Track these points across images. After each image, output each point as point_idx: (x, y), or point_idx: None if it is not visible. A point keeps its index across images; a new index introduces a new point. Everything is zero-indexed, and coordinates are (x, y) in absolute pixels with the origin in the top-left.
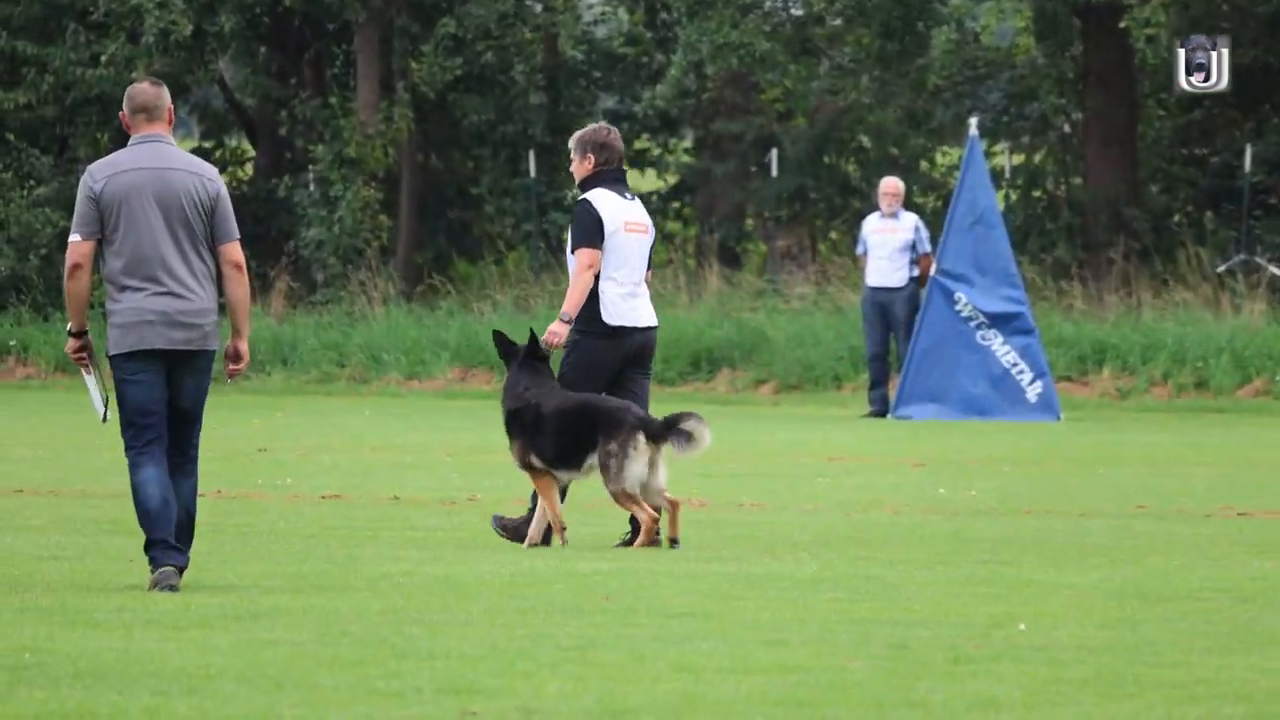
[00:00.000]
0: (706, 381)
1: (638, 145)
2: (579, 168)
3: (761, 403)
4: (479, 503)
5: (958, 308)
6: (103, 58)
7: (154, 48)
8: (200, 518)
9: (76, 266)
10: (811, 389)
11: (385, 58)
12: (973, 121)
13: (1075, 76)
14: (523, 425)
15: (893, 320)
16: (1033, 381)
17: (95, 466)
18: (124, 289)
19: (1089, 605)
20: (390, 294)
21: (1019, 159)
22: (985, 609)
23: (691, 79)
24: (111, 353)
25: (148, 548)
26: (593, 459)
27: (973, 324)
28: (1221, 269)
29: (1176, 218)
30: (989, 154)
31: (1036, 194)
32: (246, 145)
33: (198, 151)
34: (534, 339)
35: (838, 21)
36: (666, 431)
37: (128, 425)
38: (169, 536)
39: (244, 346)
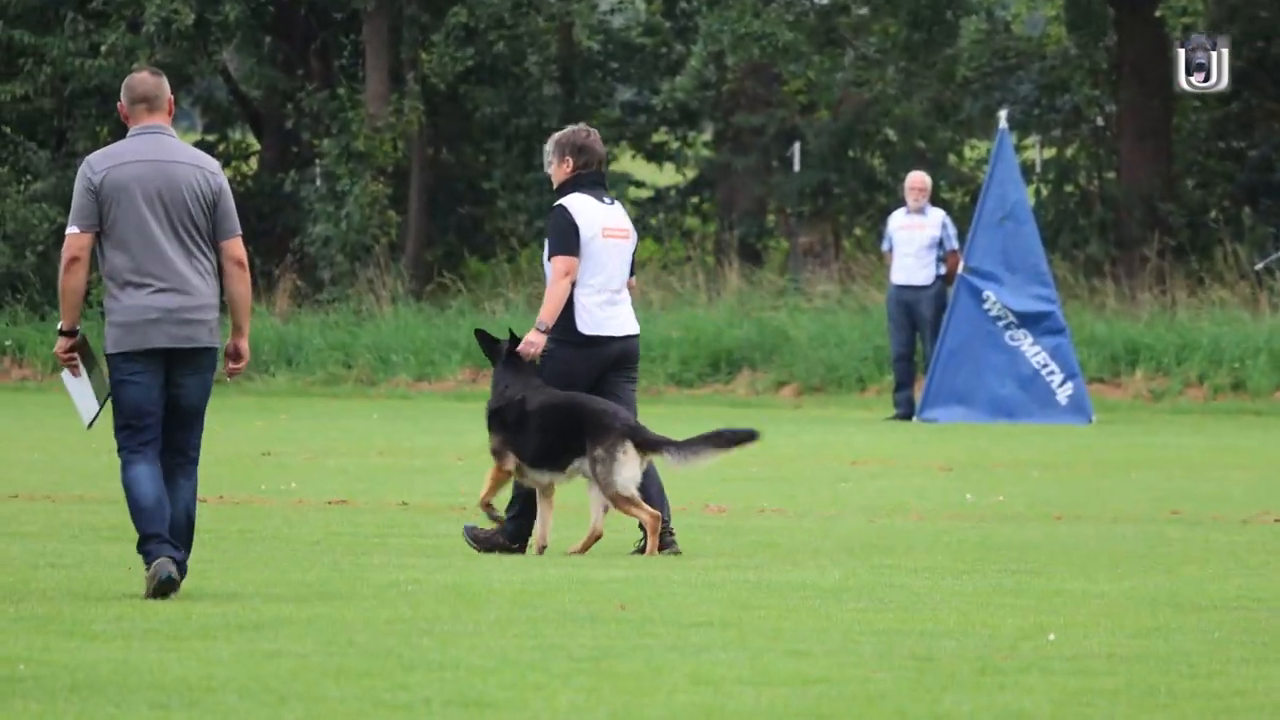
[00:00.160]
0: (726, 383)
1: (655, 138)
2: (557, 171)
3: (783, 405)
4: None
5: (986, 306)
6: (102, 48)
7: (155, 37)
8: (202, 524)
9: (74, 260)
10: (834, 391)
11: (394, 48)
12: (1002, 114)
13: (1108, 67)
14: (504, 423)
15: (919, 320)
16: (1063, 383)
17: (93, 471)
18: (124, 285)
19: (1120, 614)
20: (399, 292)
21: (1050, 153)
22: (1013, 619)
23: (711, 70)
24: (110, 351)
25: (142, 544)
26: (578, 463)
27: (1001, 323)
28: (1259, 266)
29: (1213, 213)
30: (1019, 147)
31: (1068, 189)
32: (251, 138)
33: (200, 145)
34: (514, 338)
35: (863, 10)
36: (658, 444)
37: (123, 426)
38: (164, 532)
39: (245, 345)
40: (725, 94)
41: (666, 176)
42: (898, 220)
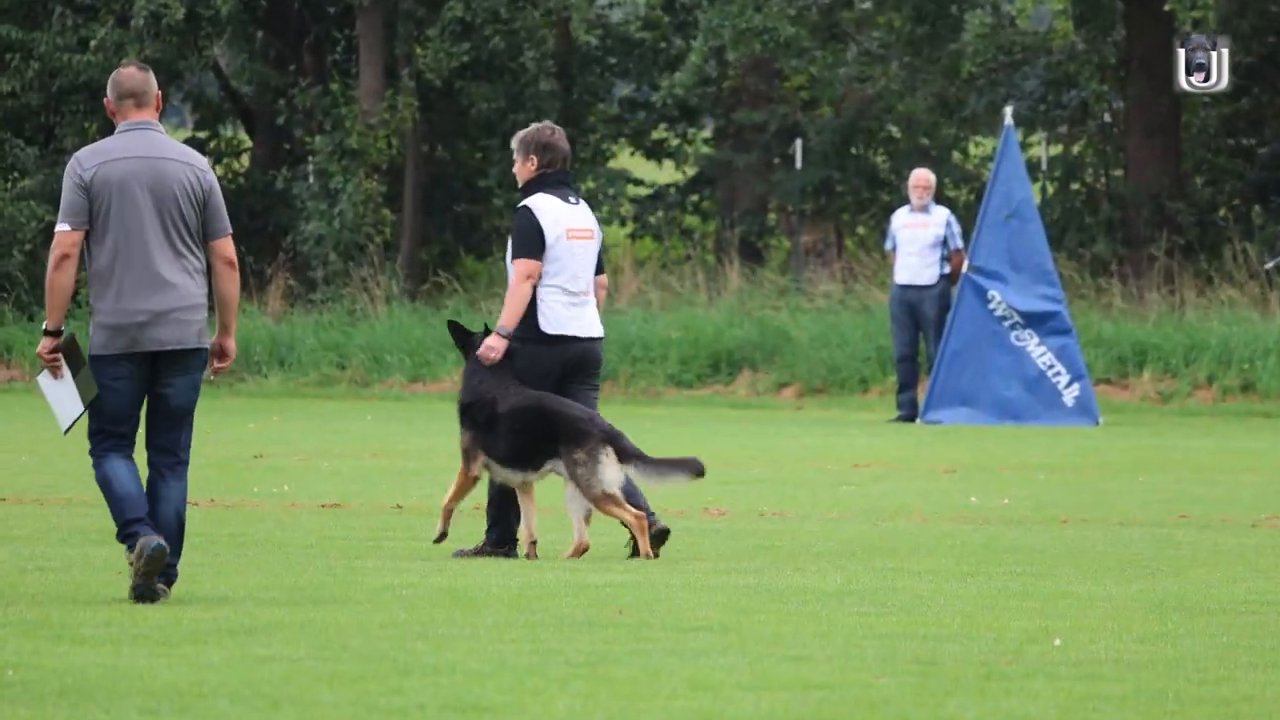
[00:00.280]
0: (726, 384)
1: (655, 135)
2: (521, 169)
3: (784, 406)
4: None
5: (991, 306)
6: (91, 43)
7: (145, 32)
8: (193, 527)
9: (65, 257)
10: (837, 392)
11: (389, 43)
12: (1008, 110)
13: (1116, 63)
14: (474, 421)
15: (922, 320)
16: (1070, 384)
17: (82, 473)
18: (112, 285)
19: (1128, 619)
20: (394, 292)
21: (1056, 150)
22: (1018, 623)
23: (712, 66)
24: (95, 353)
25: (125, 527)
26: (553, 465)
27: (1007, 323)
28: (1270, 265)
29: (1222, 211)
30: (1025, 144)
31: (1075, 186)
32: (243, 135)
33: (191, 142)
34: (488, 331)
35: (866, 5)
36: (636, 455)
37: (98, 430)
38: (146, 518)
39: (231, 343)
40: (726, 90)
41: (666, 174)
42: (901, 219)
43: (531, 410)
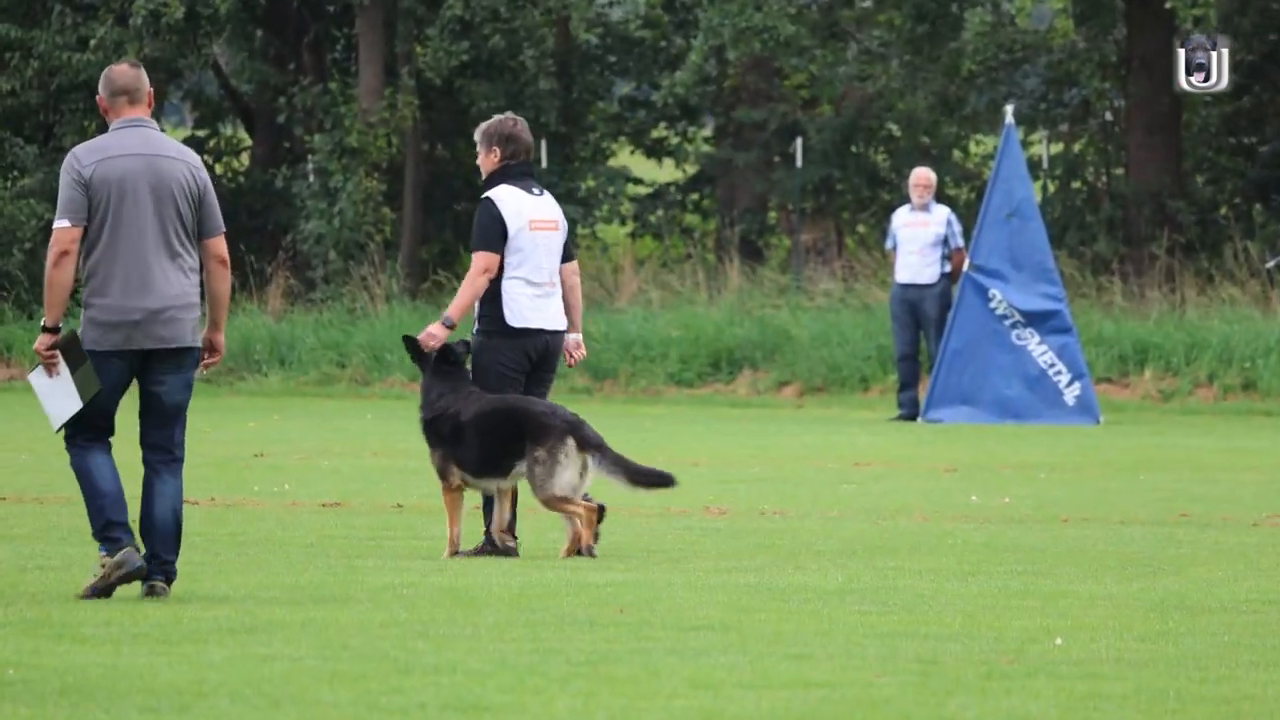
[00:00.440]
0: (727, 383)
1: (655, 134)
2: (484, 161)
3: (784, 405)
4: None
5: (992, 305)
6: (90, 41)
7: (144, 30)
8: (193, 527)
9: (64, 254)
10: (837, 391)
11: (389, 41)
12: (1009, 109)
13: (1117, 61)
14: (440, 436)
15: (923, 319)
16: (1070, 383)
17: None
18: (106, 282)
19: (1129, 618)
20: (394, 291)
21: (1057, 148)
22: (1020, 622)
23: (712, 64)
24: (86, 348)
25: (105, 530)
26: (521, 466)
27: (1008, 322)
28: (1271, 264)
29: (1223, 210)
30: (1026, 143)
31: (1076, 185)
32: (242, 134)
33: (190, 140)
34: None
35: (867, 3)
36: (597, 445)
37: (78, 420)
38: (127, 521)
39: (221, 339)
40: (726, 89)
41: (666, 173)
42: (902, 217)
43: (496, 413)
